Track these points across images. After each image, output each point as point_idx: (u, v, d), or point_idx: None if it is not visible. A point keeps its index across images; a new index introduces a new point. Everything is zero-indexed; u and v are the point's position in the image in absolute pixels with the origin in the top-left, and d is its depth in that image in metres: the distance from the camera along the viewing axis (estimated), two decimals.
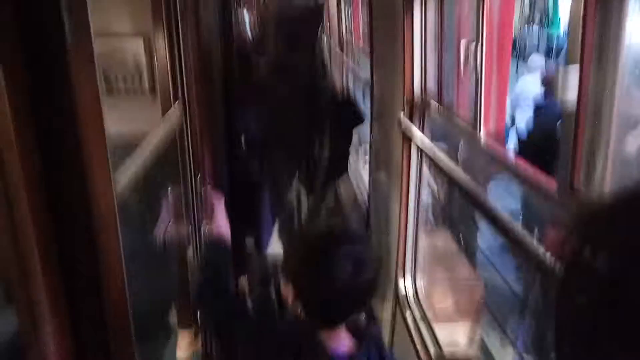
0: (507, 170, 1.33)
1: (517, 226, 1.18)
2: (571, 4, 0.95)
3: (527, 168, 1.23)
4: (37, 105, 0.73)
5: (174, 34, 1.59)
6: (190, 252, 1.89)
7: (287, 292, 1.15)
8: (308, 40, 2.79)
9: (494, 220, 1.28)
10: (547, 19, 10.96)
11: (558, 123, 4.02)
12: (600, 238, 0.45)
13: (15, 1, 0.69)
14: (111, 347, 0.87)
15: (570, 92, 0.96)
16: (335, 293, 1.09)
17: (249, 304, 1.35)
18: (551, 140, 4.09)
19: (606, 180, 0.97)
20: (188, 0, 1.72)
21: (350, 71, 4.28)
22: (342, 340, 1.14)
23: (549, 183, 1.11)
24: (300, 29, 2.77)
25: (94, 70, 0.83)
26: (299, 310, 1.15)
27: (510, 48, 1.47)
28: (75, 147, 0.78)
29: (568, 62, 0.98)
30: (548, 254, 1.00)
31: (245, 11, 3.46)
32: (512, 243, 1.19)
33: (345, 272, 1.07)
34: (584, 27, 0.92)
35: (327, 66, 2.96)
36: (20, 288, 0.75)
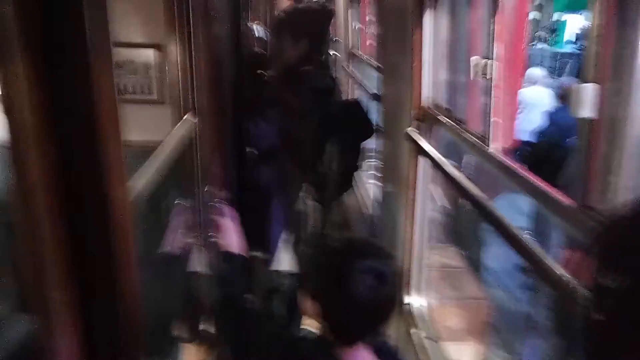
0: (518, 185, 1.33)
1: (533, 244, 1.17)
2: (589, 23, 0.96)
3: (539, 183, 1.22)
4: (58, 113, 0.74)
5: (187, 44, 1.60)
6: (198, 263, 1.89)
7: (306, 307, 1.13)
8: (316, 40, 2.79)
9: (507, 237, 1.28)
10: (553, 38, 11.05)
11: (569, 138, 4.04)
12: (619, 257, 0.44)
13: (39, 12, 0.70)
14: (123, 352, 0.87)
15: (586, 109, 0.96)
16: (357, 308, 1.07)
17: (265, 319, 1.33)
18: (562, 154, 4.10)
19: (621, 196, 0.97)
20: (200, 11, 1.73)
21: (357, 85, 4.30)
22: (362, 358, 1.12)
23: (563, 199, 1.10)
24: (309, 29, 2.78)
25: (112, 78, 0.84)
26: (318, 326, 1.13)
27: (521, 66, 1.48)
28: (93, 152, 0.78)
29: (583, 79, 0.99)
30: (566, 274, 0.99)
31: (255, 25, 3.49)
32: (527, 261, 1.19)
33: (367, 286, 1.05)
34: (602, 45, 0.93)
35: (336, 79, 2.97)
36: (35, 292, 0.75)
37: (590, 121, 0.97)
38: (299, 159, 2.72)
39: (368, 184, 3.92)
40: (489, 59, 1.43)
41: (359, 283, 1.05)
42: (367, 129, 3.06)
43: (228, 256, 1.42)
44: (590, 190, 1.01)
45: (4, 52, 0.67)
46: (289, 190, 2.74)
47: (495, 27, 1.39)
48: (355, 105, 3.19)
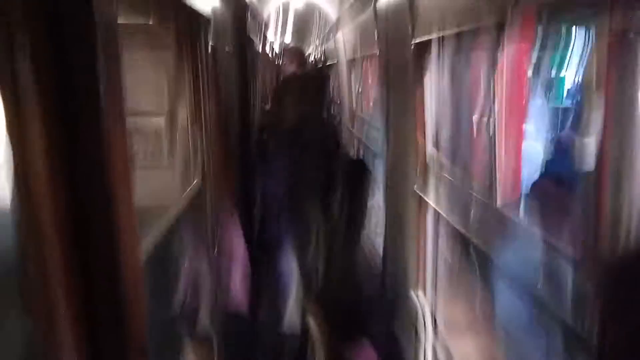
0: (526, 238, 1.33)
1: (546, 295, 1.16)
2: (586, 76, 0.98)
3: (546, 235, 1.22)
4: (72, 166, 0.75)
5: (196, 112, 1.65)
6: (206, 323, 1.87)
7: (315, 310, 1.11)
8: (314, 103, 2.89)
9: (518, 288, 1.27)
10: (551, 93, 11.27)
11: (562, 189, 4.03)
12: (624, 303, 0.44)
13: (53, 64, 0.73)
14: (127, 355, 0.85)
15: (589, 162, 0.98)
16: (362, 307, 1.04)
17: None
18: (563, 206, 4.07)
19: (631, 245, 0.96)
20: (209, 79, 1.80)
21: (362, 145, 4.36)
22: (369, 357, 1.09)
23: (570, 250, 1.10)
24: (306, 93, 2.88)
25: (125, 143, 0.86)
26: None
27: (523, 122, 1.51)
28: (106, 216, 0.79)
29: (583, 133, 1.01)
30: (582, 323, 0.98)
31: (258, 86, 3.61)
32: (541, 313, 1.17)
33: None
34: (605, 95, 0.94)
35: (339, 138, 3.05)
36: (39, 296, 0.74)
37: (593, 174, 0.98)
38: (306, 212, 2.75)
39: (376, 241, 3.90)
40: (490, 116, 1.46)
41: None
42: (371, 186, 3.10)
43: (233, 314, 1.40)
44: (598, 242, 1.00)
45: (21, 122, 0.69)
46: (298, 246, 2.75)
47: (496, 86, 1.43)
48: (360, 163, 3.24)
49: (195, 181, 1.65)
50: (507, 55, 1.39)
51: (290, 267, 2.73)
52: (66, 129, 0.74)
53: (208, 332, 1.87)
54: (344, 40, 4.99)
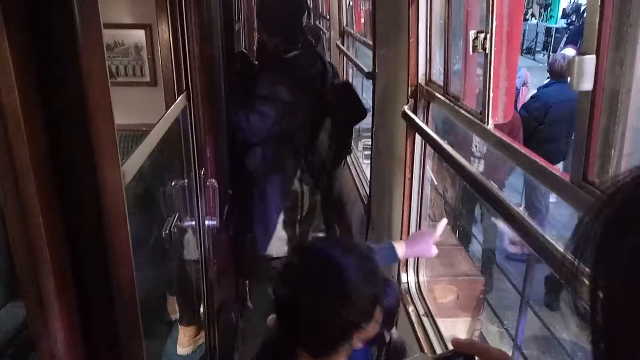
0: (517, 162, 1.32)
1: (528, 219, 1.17)
2: None
3: (537, 160, 1.21)
4: (47, 96, 0.72)
5: (178, 24, 1.57)
6: (193, 247, 1.88)
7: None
8: (291, 30, 2.76)
9: (505, 214, 1.27)
10: (547, 13, 10.98)
11: (551, 114, 4.05)
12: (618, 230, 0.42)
13: None
14: (120, 339, 0.86)
15: (586, 81, 0.95)
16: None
17: None
18: (544, 130, 4.11)
19: (621, 171, 0.96)
20: None
21: (351, 63, 4.26)
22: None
23: (562, 175, 1.09)
24: (282, 20, 2.75)
25: (103, 61, 0.81)
26: None
27: (519, 39, 1.45)
28: (85, 138, 0.76)
29: (583, 52, 0.97)
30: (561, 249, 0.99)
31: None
32: (522, 236, 1.18)
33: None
34: (601, 16, 0.91)
35: (326, 61, 2.95)
36: (28, 278, 0.74)
37: (590, 93, 0.96)
38: (292, 144, 2.71)
39: (364, 164, 3.91)
40: (486, 32, 1.41)
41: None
42: (359, 112, 3.05)
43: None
44: (590, 165, 0.99)
45: None
46: (284, 170, 2.73)
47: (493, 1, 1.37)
48: (346, 87, 3.17)
49: (179, 98, 1.59)
50: None
51: (277, 192, 2.74)
52: (38, 47, 0.69)
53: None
54: None
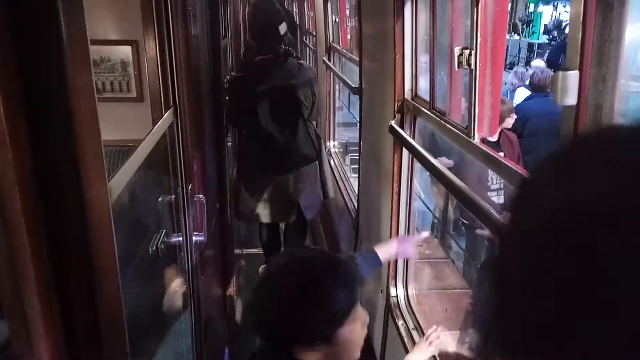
0: (501, 174, 1.33)
1: None
2: (571, 11, 0.95)
3: (520, 172, 1.22)
4: (33, 112, 0.71)
5: (165, 40, 1.57)
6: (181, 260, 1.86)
7: None
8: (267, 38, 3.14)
9: (490, 226, 1.28)
10: (528, 29, 11.16)
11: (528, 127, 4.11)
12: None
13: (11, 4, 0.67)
14: (104, 351, 0.85)
15: (569, 96, 0.96)
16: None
17: None
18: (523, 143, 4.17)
19: None
20: (179, 8, 1.70)
21: (338, 79, 4.29)
22: None
23: None
24: (258, 27, 3.20)
25: (90, 76, 0.81)
26: None
27: (503, 55, 1.47)
28: (71, 154, 0.75)
29: (567, 67, 0.98)
30: None
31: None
32: None
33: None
34: (583, 32, 0.92)
35: (303, 69, 3.21)
36: (13, 295, 0.72)
37: (574, 108, 0.97)
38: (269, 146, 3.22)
39: (352, 178, 3.92)
40: (471, 49, 1.43)
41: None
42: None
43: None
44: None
45: None
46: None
47: (478, 16, 1.39)
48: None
49: (166, 114, 1.59)
50: None
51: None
52: (24, 63, 0.69)
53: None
54: None
